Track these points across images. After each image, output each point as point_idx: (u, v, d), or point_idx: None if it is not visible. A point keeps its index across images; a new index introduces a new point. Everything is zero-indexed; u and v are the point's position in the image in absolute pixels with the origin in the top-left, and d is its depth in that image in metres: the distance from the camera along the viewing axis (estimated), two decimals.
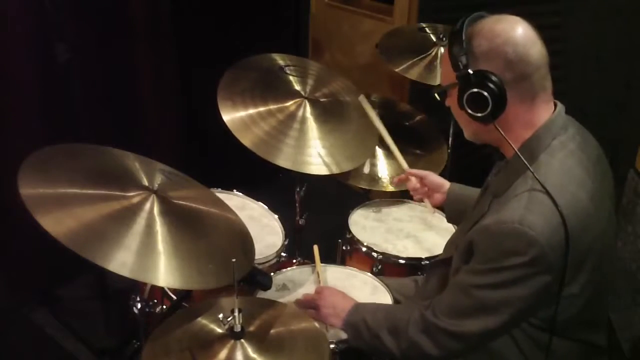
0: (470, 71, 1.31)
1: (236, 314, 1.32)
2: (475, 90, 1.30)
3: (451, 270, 1.47)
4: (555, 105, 1.39)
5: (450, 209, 1.87)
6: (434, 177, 1.90)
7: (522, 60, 1.29)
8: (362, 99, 2.04)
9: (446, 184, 1.88)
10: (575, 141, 1.38)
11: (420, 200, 1.94)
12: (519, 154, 1.33)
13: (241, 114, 1.96)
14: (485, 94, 1.29)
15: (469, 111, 1.34)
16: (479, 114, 1.33)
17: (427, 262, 1.97)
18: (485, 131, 1.39)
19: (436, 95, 1.46)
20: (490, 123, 1.34)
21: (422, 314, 1.44)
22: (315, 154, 1.99)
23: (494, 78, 1.29)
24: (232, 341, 1.33)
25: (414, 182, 1.92)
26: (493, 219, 1.32)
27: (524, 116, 1.35)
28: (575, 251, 1.26)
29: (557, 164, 1.33)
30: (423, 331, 1.42)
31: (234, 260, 1.31)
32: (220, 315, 1.34)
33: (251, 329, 1.38)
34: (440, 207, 1.93)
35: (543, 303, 1.32)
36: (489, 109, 1.31)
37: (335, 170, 2.01)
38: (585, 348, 1.44)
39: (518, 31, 1.31)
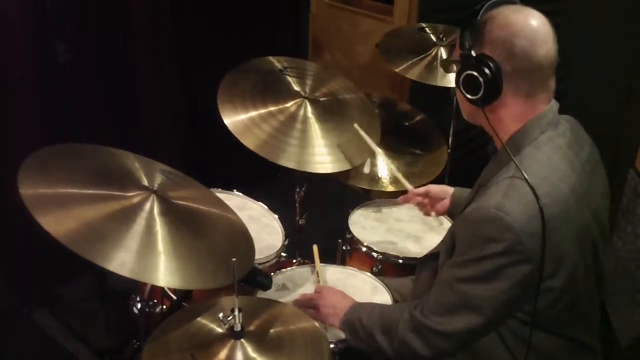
0: (473, 53, 1.32)
1: (236, 313, 1.32)
2: (471, 72, 1.32)
3: (439, 265, 1.48)
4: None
5: (454, 212, 1.87)
6: (435, 189, 1.91)
7: (526, 56, 1.29)
8: (357, 127, 2.04)
9: (449, 189, 1.89)
10: (565, 138, 1.38)
11: (428, 215, 1.95)
12: (502, 143, 1.35)
13: (242, 116, 1.96)
14: (480, 78, 1.31)
15: (462, 91, 1.36)
16: (470, 96, 1.35)
17: None
18: (477, 115, 1.41)
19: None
20: (480, 108, 1.35)
21: (411, 313, 1.44)
22: (320, 153, 1.99)
23: (493, 65, 1.30)
24: (232, 341, 1.33)
25: (419, 198, 1.93)
26: (473, 206, 1.34)
27: (514, 110, 1.36)
28: (554, 241, 1.26)
29: (541, 156, 1.34)
30: (412, 330, 1.42)
31: (234, 260, 1.31)
32: (220, 315, 1.34)
33: (251, 328, 1.38)
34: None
35: (526, 296, 1.31)
36: (480, 94, 1.33)
37: (341, 167, 2.01)
38: (573, 345, 1.43)
39: (531, 26, 1.30)
